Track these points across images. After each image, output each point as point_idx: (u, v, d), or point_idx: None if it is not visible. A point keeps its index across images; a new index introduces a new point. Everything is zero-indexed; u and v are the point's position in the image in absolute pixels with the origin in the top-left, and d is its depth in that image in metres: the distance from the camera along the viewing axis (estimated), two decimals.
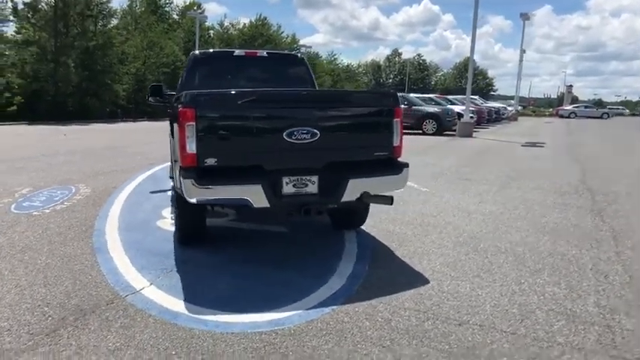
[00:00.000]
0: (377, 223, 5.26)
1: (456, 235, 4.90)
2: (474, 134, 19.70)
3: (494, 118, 31.77)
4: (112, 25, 30.31)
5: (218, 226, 5.04)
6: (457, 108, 22.45)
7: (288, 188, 3.62)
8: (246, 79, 5.94)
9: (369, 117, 3.89)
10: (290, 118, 3.55)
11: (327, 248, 4.45)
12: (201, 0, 47.97)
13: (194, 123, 3.32)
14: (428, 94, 37.48)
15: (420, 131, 19.67)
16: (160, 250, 4.26)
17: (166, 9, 44.58)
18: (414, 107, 20.29)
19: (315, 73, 60.93)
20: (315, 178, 3.67)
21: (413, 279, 3.67)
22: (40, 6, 24.90)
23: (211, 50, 7.41)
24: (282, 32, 53.38)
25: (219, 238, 4.72)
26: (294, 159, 3.62)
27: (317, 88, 6.24)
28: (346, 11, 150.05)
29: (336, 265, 3.97)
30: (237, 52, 6.05)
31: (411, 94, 27.47)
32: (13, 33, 26.37)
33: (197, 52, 6.20)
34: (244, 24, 48.08)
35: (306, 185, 3.65)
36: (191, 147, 3.35)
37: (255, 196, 3.43)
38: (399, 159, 4.01)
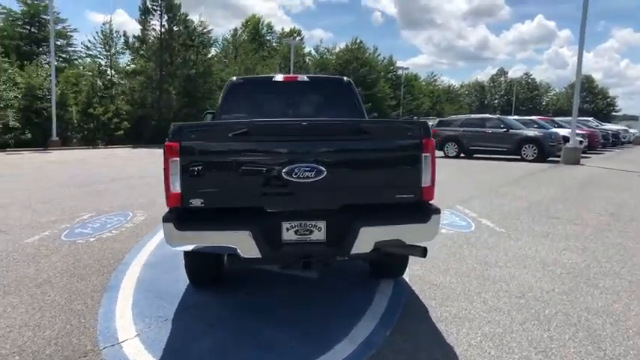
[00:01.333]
0: (425, 272, 4.52)
1: (518, 295, 4.00)
2: (583, 161, 17.53)
3: (611, 142, 28.35)
4: (211, 55, 32.34)
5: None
6: (564, 131, 20.24)
7: (289, 235, 3.11)
8: (284, 105, 5.58)
9: (389, 152, 3.25)
10: (290, 153, 3.05)
11: (352, 301, 3.82)
12: (307, 27, 49.71)
13: (178, 159, 2.97)
14: (538, 115, 34.72)
15: (519, 157, 18.01)
16: (170, 292, 3.95)
17: (267, 37, 46.77)
18: (511, 130, 18.68)
19: (413, 94, 59.80)
20: (322, 224, 3.12)
21: (438, 355, 2.93)
22: (147, 38, 27.33)
23: (249, 76, 7.24)
24: (378, 55, 53.31)
25: (240, 280, 4.31)
26: (295, 201, 3.11)
27: (365, 117, 5.67)
28: (452, 31, 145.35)
29: (353, 325, 3.34)
30: (276, 77, 5.75)
31: (511, 117, 25.56)
32: (126, 64, 29.26)
33: (234, 78, 5.98)
34: (340, 48, 48.75)
35: (311, 232, 3.11)
36: (175, 186, 3.00)
37: (244, 244, 2.96)
38: (431, 202, 3.30)
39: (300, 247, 3.12)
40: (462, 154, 19.39)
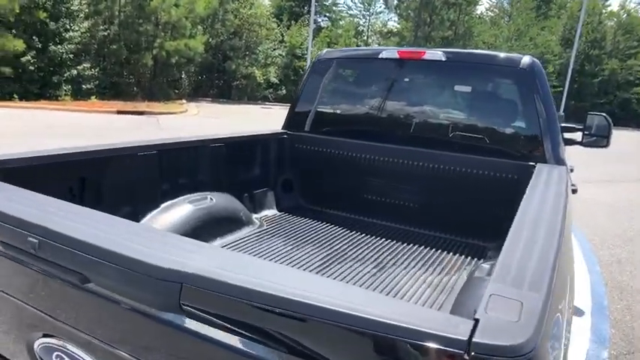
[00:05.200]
0: None
1: None
2: None
3: None
4: (478, 13, 28.43)
5: None
6: None
7: None
8: (396, 96, 3.22)
9: None
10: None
11: None
12: None
13: None
14: None
15: None
16: None
17: None
18: None
19: None
20: None
21: None
22: None
23: (344, 50, 4.70)
24: None
25: None
26: None
27: (556, 148, 2.58)
28: None
29: None
30: (384, 53, 3.05)
31: None
32: (382, 24, 28.32)
33: (324, 51, 3.66)
34: None
35: None
36: None
37: None
38: None
39: None
40: None
